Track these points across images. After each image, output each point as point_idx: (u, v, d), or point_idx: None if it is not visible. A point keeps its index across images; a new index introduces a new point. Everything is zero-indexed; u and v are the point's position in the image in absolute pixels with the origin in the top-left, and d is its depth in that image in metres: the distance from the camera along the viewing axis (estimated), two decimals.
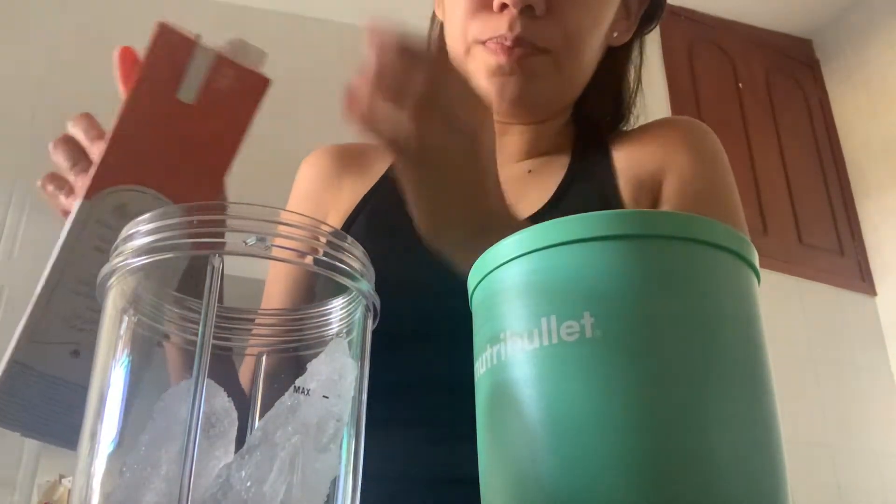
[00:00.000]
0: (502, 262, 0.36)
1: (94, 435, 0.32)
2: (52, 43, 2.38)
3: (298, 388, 0.33)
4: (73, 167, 0.52)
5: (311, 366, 0.34)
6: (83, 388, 0.39)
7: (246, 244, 0.32)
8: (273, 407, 0.33)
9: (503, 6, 0.67)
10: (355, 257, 0.35)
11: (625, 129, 0.84)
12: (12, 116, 2.57)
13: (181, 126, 0.47)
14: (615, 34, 0.78)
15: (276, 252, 0.32)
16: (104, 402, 0.33)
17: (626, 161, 0.76)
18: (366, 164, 0.84)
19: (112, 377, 0.33)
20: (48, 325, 0.46)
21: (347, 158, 0.85)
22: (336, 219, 0.79)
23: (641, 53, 0.85)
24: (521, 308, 0.35)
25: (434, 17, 0.85)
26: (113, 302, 0.34)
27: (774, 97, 3.02)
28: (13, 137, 2.58)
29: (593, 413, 0.31)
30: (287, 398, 0.33)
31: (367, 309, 0.36)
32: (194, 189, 0.47)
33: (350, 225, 0.77)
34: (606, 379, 0.31)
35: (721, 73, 2.93)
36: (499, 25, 0.67)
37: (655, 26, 0.83)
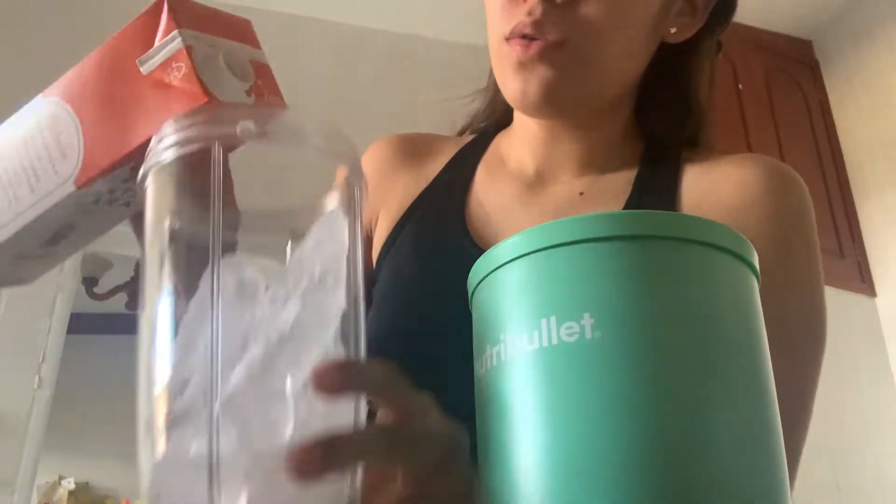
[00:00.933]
0: (502, 262, 0.36)
1: (152, 323, 0.37)
2: (53, 44, 2.38)
3: (298, 234, 0.39)
4: None
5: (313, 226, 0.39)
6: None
7: (239, 133, 0.37)
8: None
9: None
10: (335, 129, 0.40)
11: (701, 150, 0.77)
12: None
13: (126, 86, 0.47)
14: (672, 30, 0.73)
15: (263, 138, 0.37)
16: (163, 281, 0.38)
17: (696, 194, 0.70)
18: (425, 159, 0.82)
19: (157, 269, 0.38)
20: None
21: (408, 150, 0.84)
22: (386, 222, 0.77)
23: (713, 56, 0.78)
24: (521, 309, 0.35)
25: (489, 80, 0.81)
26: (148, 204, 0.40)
27: (774, 98, 3.02)
28: None
29: (593, 413, 0.31)
30: (293, 251, 0.39)
31: (353, 174, 0.40)
32: (108, 144, 0.47)
33: (398, 233, 0.76)
34: (606, 379, 0.31)
35: (721, 74, 2.93)
36: (520, 14, 0.67)
37: (725, 27, 0.77)
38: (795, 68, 3.10)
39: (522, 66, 0.67)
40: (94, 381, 4.40)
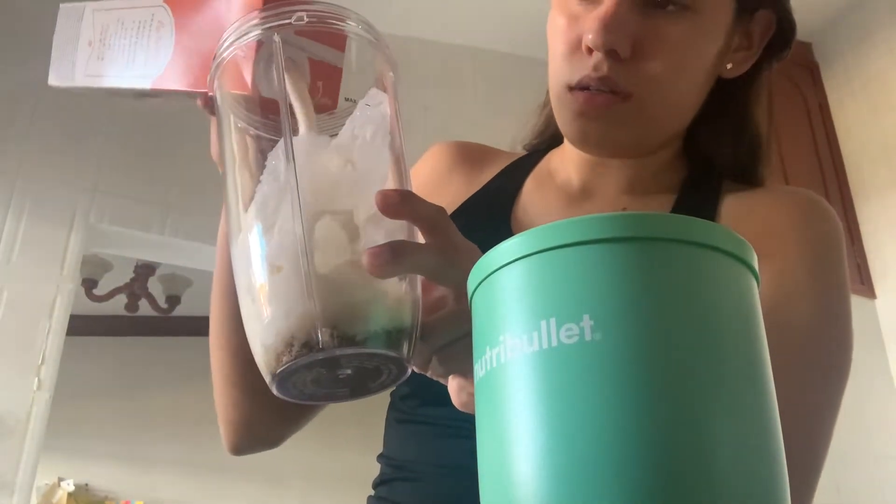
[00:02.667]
0: (502, 264, 0.36)
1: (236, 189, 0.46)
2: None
3: (349, 99, 0.50)
4: None
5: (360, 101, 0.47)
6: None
7: (292, 23, 0.44)
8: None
9: (590, 49, 0.67)
10: (371, 26, 0.47)
11: (747, 183, 0.78)
12: (12, 118, 2.57)
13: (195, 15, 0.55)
14: (729, 66, 0.74)
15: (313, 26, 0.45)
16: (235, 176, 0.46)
17: (731, 220, 0.71)
18: (480, 166, 0.85)
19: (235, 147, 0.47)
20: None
21: (465, 156, 0.87)
22: None
23: (769, 86, 0.80)
24: (520, 310, 0.35)
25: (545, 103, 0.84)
26: (220, 96, 0.48)
27: (774, 100, 3.02)
28: (13, 139, 2.58)
29: (592, 416, 0.31)
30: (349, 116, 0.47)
31: (387, 61, 0.48)
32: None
33: None
34: (606, 382, 0.31)
35: None
36: (585, 67, 0.67)
37: (786, 55, 0.77)
38: (795, 70, 3.10)
39: (585, 115, 0.68)
40: (94, 383, 4.40)
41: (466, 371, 0.45)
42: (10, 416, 2.28)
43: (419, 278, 0.44)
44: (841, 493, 2.47)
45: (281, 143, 0.43)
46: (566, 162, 0.80)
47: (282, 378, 0.41)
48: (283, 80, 0.44)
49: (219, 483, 4.31)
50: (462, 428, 0.61)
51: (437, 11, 3.00)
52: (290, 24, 0.43)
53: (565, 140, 0.81)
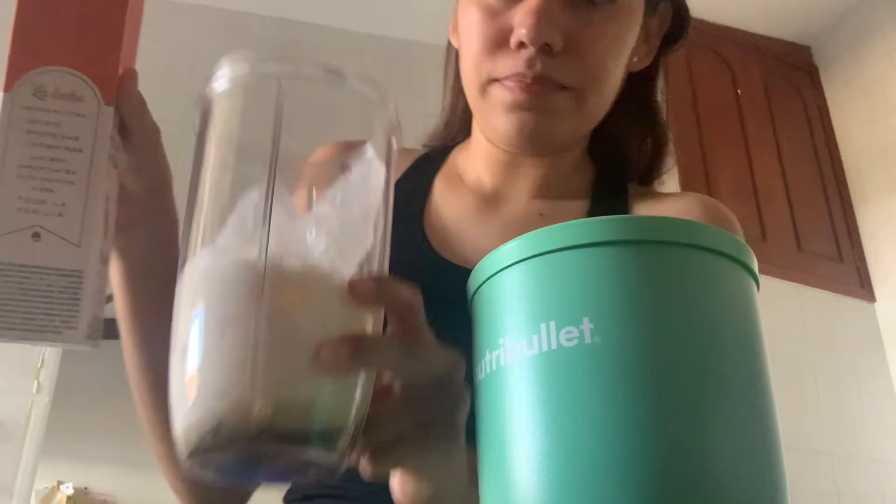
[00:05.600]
0: (502, 267, 0.36)
1: (189, 224, 0.40)
2: None
3: (342, 164, 0.43)
4: None
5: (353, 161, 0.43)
6: (51, 270, 0.46)
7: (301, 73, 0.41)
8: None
9: (520, 44, 0.65)
10: (376, 83, 0.43)
11: (644, 189, 0.81)
12: None
13: (75, 3, 0.51)
14: (635, 59, 0.75)
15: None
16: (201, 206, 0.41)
17: None
18: None
19: (205, 187, 0.41)
20: (3, 215, 0.47)
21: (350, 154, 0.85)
22: None
23: (666, 77, 0.81)
24: (520, 313, 0.35)
25: (449, 44, 0.82)
26: (201, 126, 0.42)
27: (773, 104, 3.03)
28: None
29: (592, 419, 0.31)
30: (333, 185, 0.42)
31: (390, 124, 0.44)
32: (99, 59, 0.50)
33: None
34: (606, 385, 0.31)
35: (720, 80, 2.94)
36: (516, 64, 0.65)
37: (679, 47, 0.80)
38: (794, 74, 3.10)
39: (519, 106, 0.67)
40: (93, 387, 4.39)
41: (409, 467, 0.42)
42: (9, 419, 2.28)
43: (374, 373, 0.40)
44: (841, 497, 2.47)
45: (257, 194, 0.38)
46: (474, 162, 0.78)
47: (199, 458, 0.37)
48: (280, 129, 0.40)
49: None
50: None
51: (440, 14, 3.00)
52: (296, 72, 0.41)
53: (473, 138, 0.79)
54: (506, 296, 0.36)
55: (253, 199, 0.39)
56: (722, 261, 0.34)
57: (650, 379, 0.31)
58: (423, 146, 0.87)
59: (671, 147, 0.82)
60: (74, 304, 0.47)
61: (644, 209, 0.75)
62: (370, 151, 0.43)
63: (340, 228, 0.40)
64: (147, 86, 0.54)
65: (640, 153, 0.80)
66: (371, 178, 0.42)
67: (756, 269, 0.37)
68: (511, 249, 0.36)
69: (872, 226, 2.95)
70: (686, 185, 2.60)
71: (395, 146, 0.44)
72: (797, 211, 2.88)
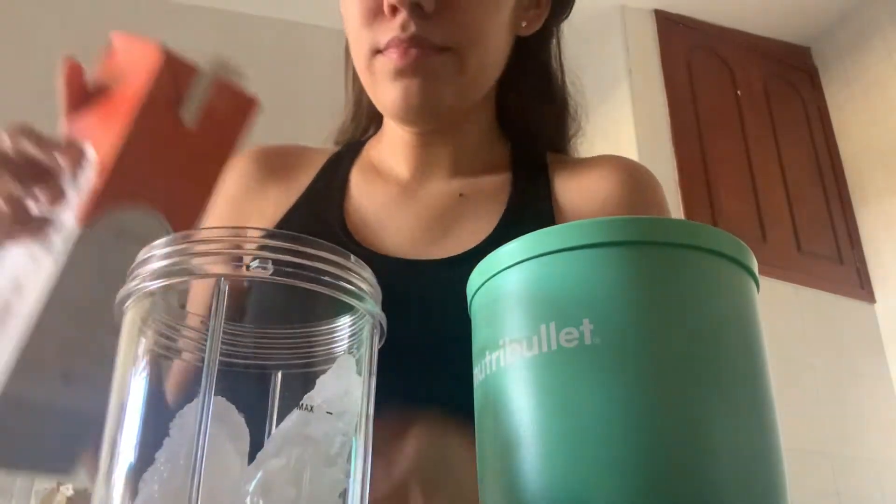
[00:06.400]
0: (502, 268, 0.36)
1: (113, 449, 0.33)
2: (50, 51, 2.38)
3: (303, 405, 0.34)
4: (33, 187, 0.47)
5: (319, 381, 0.35)
6: (76, 413, 0.43)
7: (248, 268, 0.33)
8: (282, 423, 0.34)
9: (393, 9, 0.66)
10: (362, 278, 0.35)
11: (566, 154, 0.82)
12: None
13: (180, 148, 0.47)
14: (524, 24, 0.76)
15: (279, 274, 0.33)
16: (123, 419, 0.34)
17: (567, 196, 0.75)
18: (294, 171, 0.81)
19: (131, 394, 0.34)
20: (40, 352, 0.44)
21: (276, 164, 0.82)
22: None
23: (559, 43, 0.82)
24: (520, 315, 0.35)
25: (346, 49, 0.82)
26: (130, 322, 0.35)
27: (773, 105, 3.03)
28: None
29: (592, 419, 0.31)
30: (294, 414, 0.34)
31: (373, 327, 0.37)
32: (191, 208, 0.48)
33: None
34: (605, 385, 0.31)
35: (719, 81, 2.94)
36: (392, 28, 0.66)
37: (569, 13, 0.81)
38: (794, 75, 3.11)
39: (402, 73, 0.67)
40: None
41: None
42: None
43: None
44: (841, 498, 2.47)
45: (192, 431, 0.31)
46: (387, 150, 0.79)
47: None
48: (218, 335, 0.32)
49: None
50: None
51: None
52: (244, 268, 0.33)
53: (384, 127, 0.80)
54: (505, 297, 0.36)
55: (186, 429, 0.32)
56: (722, 261, 0.35)
57: (650, 379, 0.31)
58: (335, 143, 0.87)
59: (577, 112, 0.83)
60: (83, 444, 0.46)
61: (565, 177, 0.76)
62: (345, 356, 0.36)
63: (302, 486, 0.33)
64: None
65: (544, 121, 0.81)
66: (341, 410, 0.35)
67: (756, 269, 0.37)
68: (511, 250, 0.36)
69: (872, 227, 2.96)
70: (686, 185, 2.60)
71: (377, 346, 0.37)
72: (797, 212, 2.88)
